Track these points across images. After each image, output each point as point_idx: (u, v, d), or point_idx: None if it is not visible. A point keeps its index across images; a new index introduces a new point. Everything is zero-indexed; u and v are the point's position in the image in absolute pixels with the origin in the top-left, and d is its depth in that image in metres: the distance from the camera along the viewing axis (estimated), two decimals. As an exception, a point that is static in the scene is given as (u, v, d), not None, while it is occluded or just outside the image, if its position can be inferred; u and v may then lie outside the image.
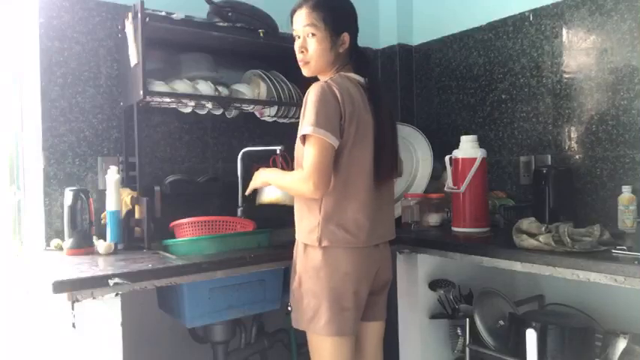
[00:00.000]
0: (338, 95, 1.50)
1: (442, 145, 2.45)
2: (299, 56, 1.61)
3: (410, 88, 2.90)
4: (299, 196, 1.58)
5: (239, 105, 2.22)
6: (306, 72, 1.63)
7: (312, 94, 1.50)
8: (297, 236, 1.62)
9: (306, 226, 1.56)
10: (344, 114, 1.50)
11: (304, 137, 1.49)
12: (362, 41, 1.70)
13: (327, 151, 1.46)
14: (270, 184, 1.75)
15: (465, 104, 2.62)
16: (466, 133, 2.16)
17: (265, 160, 2.32)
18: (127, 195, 1.89)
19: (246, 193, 1.86)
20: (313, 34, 1.56)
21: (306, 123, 1.47)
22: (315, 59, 1.58)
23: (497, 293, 1.94)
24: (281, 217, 1.86)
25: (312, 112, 1.47)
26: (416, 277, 2.00)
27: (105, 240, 1.80)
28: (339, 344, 1.55)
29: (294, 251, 1.63)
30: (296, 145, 1.61)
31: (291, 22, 1.63)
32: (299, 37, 1.60)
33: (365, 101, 1.58)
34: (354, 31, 1.63)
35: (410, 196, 2.28)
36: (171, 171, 2.18)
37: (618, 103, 2.04)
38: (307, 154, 1.48)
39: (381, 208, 1.62)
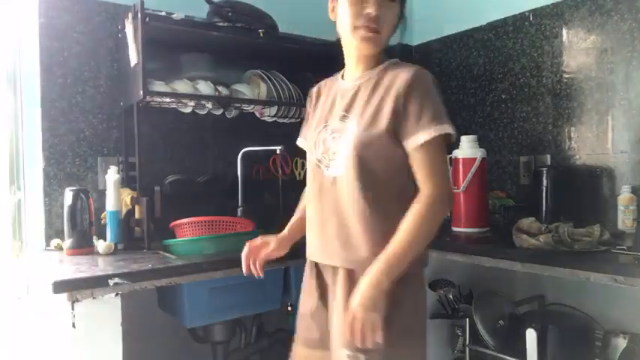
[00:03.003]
0: None
1: (442, 145, 2.45)
2: (371, 26, 1.22)
3: (410, 88, 2.89)
4: (437, 225, 1.21)
5: (239, 105, 2.22)
6: (373, 46, 1.28)
7: (424, 82, 1.19)
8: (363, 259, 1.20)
9: None
10: None
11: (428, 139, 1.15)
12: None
13: None
14: (390, 280, 1.16)
15: (465, 104, 2.62)
16: (466, 133, 2.16)
17: (265, 160, 2.33)
18: (127, 195, 1.89)
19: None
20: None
21: (436, 118, 1.15)
22: (386, 31, 1.26)
23: (498, 293, 1.94)
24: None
25: (436, 103, 1.18)
26: (416, 277, 2.00)
27: (105, 240, 1.80)
28: None
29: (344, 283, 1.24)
30: (372, 147, 1.20)
31: None
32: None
33: None
34: None
35: (410, 196, 2.28)
36: (172, 171, 2.18)
37: (618, 103, 2.04)
38: (436, 160, 1.17)
39: None
